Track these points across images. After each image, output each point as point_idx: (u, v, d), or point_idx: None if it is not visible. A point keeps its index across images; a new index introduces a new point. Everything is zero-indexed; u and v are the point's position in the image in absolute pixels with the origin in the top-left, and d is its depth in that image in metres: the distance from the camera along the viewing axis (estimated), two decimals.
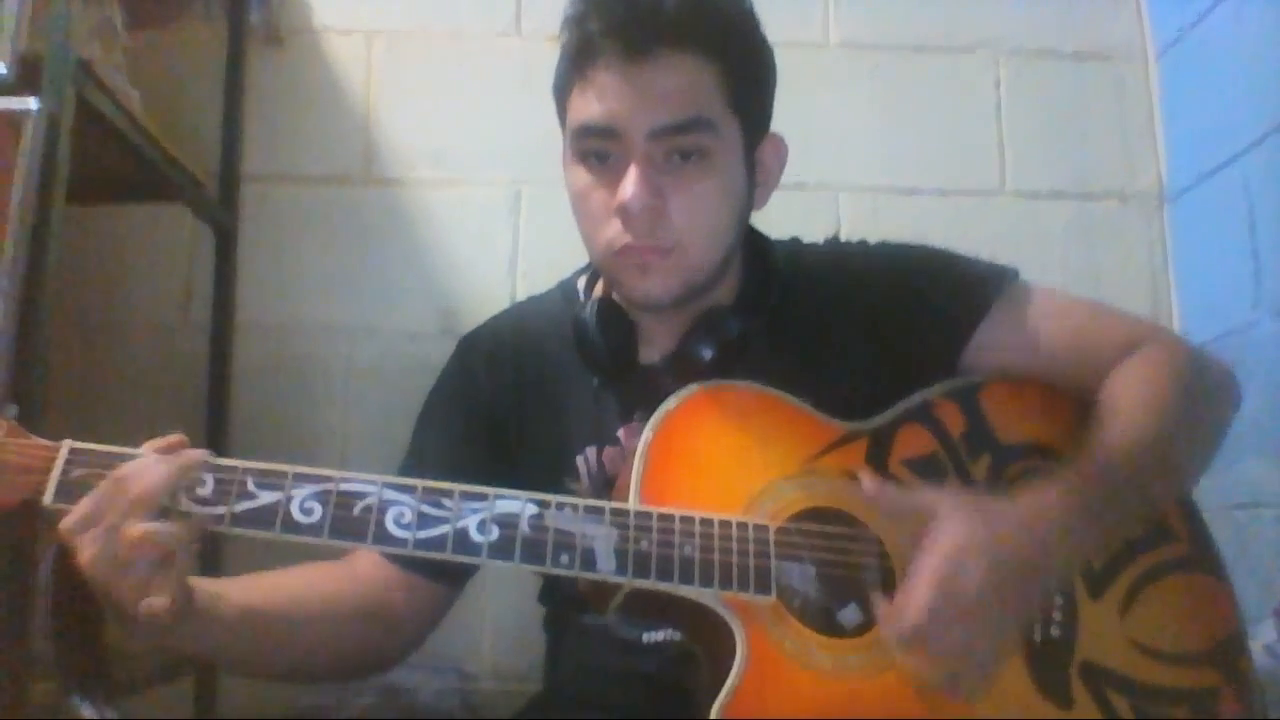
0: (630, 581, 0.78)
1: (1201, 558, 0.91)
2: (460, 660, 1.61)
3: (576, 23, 0.90)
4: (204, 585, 0.80)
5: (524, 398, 1.03)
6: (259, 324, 1.72)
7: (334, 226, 1.76)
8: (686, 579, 0.79)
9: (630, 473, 0.84)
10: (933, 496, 0.82)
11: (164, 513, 0.75)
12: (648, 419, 0.88)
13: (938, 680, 0.77)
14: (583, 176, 0.93)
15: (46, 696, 1.01)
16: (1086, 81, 1.84)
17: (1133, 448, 0.85)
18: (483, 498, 0.79)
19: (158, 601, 0.73)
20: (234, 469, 0.78)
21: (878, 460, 0.89)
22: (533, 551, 0.78)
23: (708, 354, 0.93)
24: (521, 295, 1.18)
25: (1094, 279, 1.76)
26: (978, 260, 1.02)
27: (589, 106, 0.89)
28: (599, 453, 0.99)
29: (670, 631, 0.92)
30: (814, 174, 1.76)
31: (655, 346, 0.99)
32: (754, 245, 1.03)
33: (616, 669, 0.97)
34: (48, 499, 0.75)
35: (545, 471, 0.99)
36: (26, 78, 1.07)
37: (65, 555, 0.74)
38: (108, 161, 1.35)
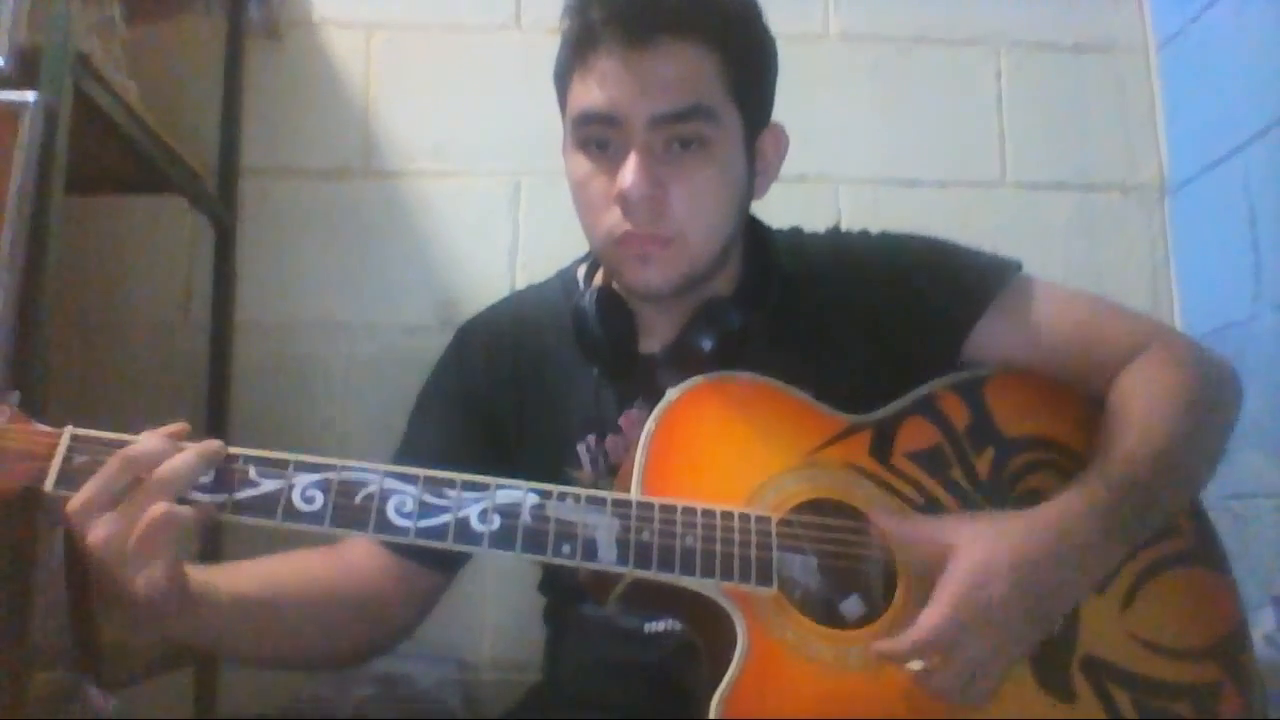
0: (632, 572, 0.78)
1: (1204, 552, 0.91)
2: (460, 650, 1.61)
3: (578, 10, 0.90)
4: (195, 572, 0.79)
5: (523, 387, 1.03)
6: (258, 318, 1.71)
7: (333, 220, 1.75)
8: (688, 570, 0.79)
9: (632, 463, 0.84)
10: (950, 527, 0.82)
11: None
12: (648, 407, 0.88)
13: (951, 689, 0.77)
14: (583, 164, 0.92)
15: (48, 687, 1.01)
16: (1088, 74, 1.83)
17: (1154, 459, 0.85)
18: (484, 487, 0.79)
19: (159, 580, 0.72)
20: (235, 457, 0.77)
21: (881, 453, 0.89)
22: (534, 541, 0.78)
23: (708, 345, 0.93)
24: (521, 288, 1.18)
25: (1094, 271, 1.76)
26: (979, 253, 1.02)
27: (589, 93, 0.89)
28: (600, 440, 0.98)
29: (671, 622, 0.92)
30: (814, 166, 1.75)
31: (655, 336, 0.99)
32: (754, 235, 1.03)
33: (617, 659, 0.97)
34: (49, 485, 0.74)
35: (546, 460, 0.99)
36: (25, 71, 1.07)
37: (74, 539, 0.74)
38: (106, 156, 1.35)
